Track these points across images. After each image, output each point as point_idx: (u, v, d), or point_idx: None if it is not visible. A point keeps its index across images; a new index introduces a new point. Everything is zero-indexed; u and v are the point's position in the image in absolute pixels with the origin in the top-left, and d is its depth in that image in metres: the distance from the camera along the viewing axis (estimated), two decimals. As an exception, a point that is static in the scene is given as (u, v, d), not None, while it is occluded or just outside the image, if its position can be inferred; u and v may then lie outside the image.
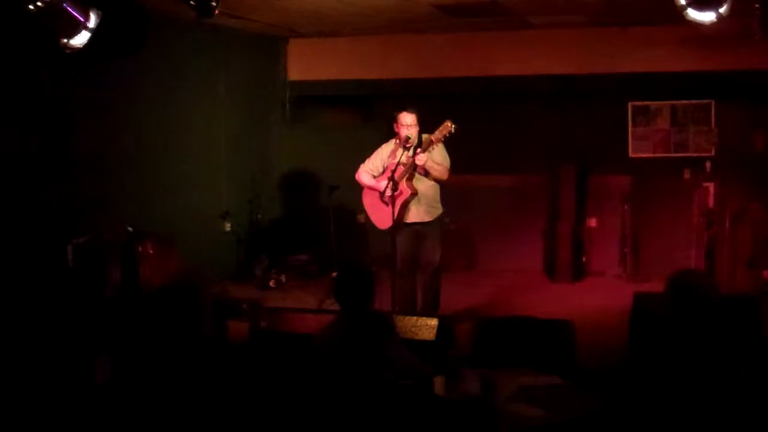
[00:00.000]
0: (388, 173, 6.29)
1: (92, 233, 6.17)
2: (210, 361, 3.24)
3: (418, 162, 6.15)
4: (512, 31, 8.69)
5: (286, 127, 9.76)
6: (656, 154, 8.97)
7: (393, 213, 6.20)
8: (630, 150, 9.03)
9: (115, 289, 4.02)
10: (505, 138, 9.24)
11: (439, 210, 6.48)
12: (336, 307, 4.08)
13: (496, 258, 9.28)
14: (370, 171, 6.54)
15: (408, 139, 6.23)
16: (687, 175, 8.67)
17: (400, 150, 6.34)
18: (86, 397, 3.43)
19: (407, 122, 6.26)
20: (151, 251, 6.49)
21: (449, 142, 6.29)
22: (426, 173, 6.29)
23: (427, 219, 6.41)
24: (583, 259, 8.95)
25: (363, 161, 6.62)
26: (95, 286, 3.98)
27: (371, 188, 6.50)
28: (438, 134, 6.13)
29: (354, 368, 3.05)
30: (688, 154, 8.82)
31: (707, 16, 4.97)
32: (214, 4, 5.30)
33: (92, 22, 4.84)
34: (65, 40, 4.82)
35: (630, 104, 9.00)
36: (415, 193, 6.29)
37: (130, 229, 6.51)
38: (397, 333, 3.28)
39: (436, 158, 6.28)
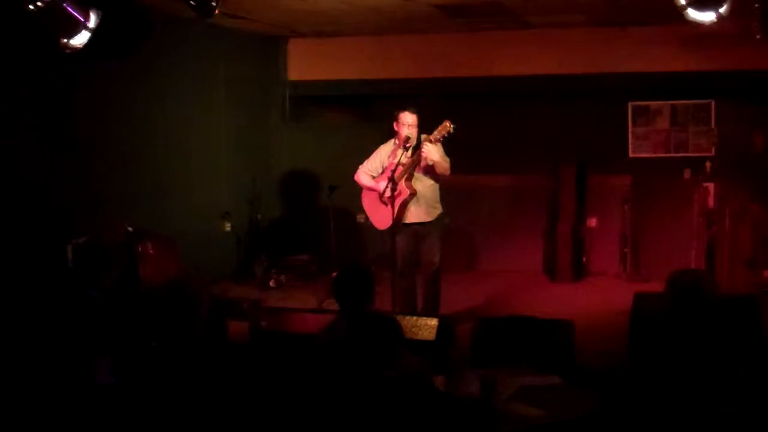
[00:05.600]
0: (388, 173, 6.29)
1: (92, 233, 6.17)
2: (208, 361, 3.24)
3: (425, 153, 6.11)
4: (512, 31, 8.69)
5: (286, 127, 9.76)
6: (656, 154, 8.97)
7: (392, 213, 6.19)
8: (630, 150, 9.03)
9: (102, 290, 4.00)
10: (505, 138, 9.23)
11: (439, 210, 6.48)
12: (336, 307, 4.09)
13: (496, 258, 9.27)
14: (369, 172, 6.54)
15: (408, 139, 6.23)
16: (687, 175, 8.67)
17: (400, 150, 6.34)
18: (86, 398, 3.43)
19: (408, 122, 6.26)
20: (151, 251, 6.48)
21: (449, 142, 6.29)
22: (428, 170, 6.29)
23: (426, 219, 6.40)
24: (583, 259, 8.95)
25: (363, 161, 6.62)
26: (82, 286, 3.97)
27: (370, 189, 6.50)
28: (437, 134, 6.14)
29: (358, 368, 3.05)
30: (688, 154, 8.82)
31: (707, 16, 4.97)
32: (214, 3, 5.29)
33: (92, 22, 4.84)
34: (65, 40, 4.82)
35: (630, 104, 9.00)
36: (414, 193, 6.29)
37: (130, 229, 6.51)
38: (403, 336, 3.28)
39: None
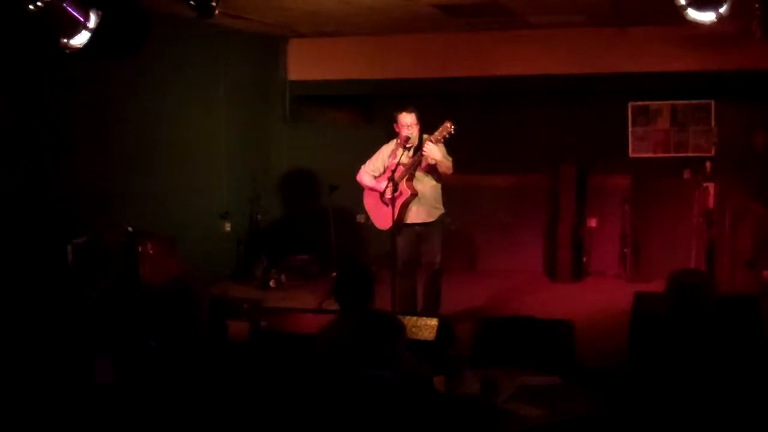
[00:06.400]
0: (388, 173, 6.28)
1: (92, 233, 6.17)
2: (208, 361, 3.25)
3: (426, 152, 6.08)
4: (512, 31, 8.69)
5: (286, 127, 9.76)
6: (656, 154, 8.97)
7: (393, 214, 6.19)
8: (630, 150, 9.03)
9: (101, 290, 4.01)
10: (505, 138, 9.23)
11: (440, 210, 6.48)
12: (336, 307, 4.09)
13: (496, 258, 9.28)
14: (371, 172, 6.54)
15: (408, 139, 6.22)
16: (687, 175, 8.67)
17: (400, 150, 6.33)
18: (85, 398, 3.43)
19: (407, 122, 6.25)
20: (151, 251, 6.48)
21: (449, 142, 6.28)
22: (430, 170, 6.28)
23: (428, 220, 6.40)
24: (583, 259, 8.95)
25: (363, 161, 6.62)
26: (82, 286, 3.98)
27: (372, 189, 6.50)
28: (437, 135, 6.11)
29: (358, 368, 3.05)
30: (688, 154, 8.82)
31: (707, 16, 4.97)
32: (214, 3, 5.29)
33: (92, 22, 4.83)
34: (65, 40, 4.82)
35: (630, 104, 9.00)
36: (415, 194, 6.28)
37: (130, 229, 6.51)
38: (405, 335, 3.27)
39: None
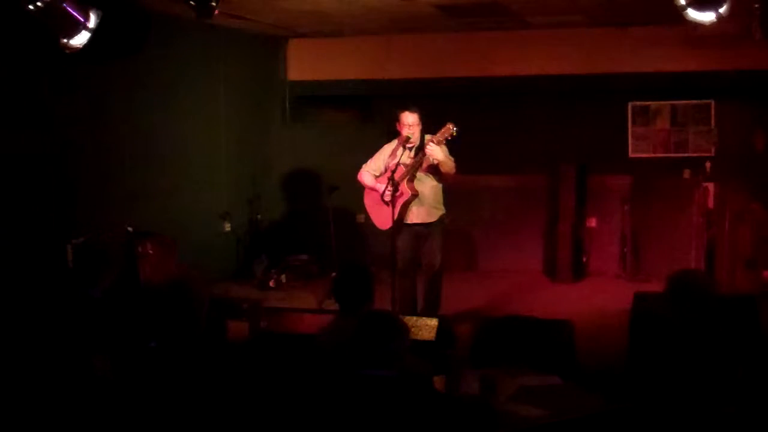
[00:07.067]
0: (389, 174, 6.28)
1: (92, 233, 6.17)
2: (208, 361, 3.25)
3: (428, 152, 6.06)
4: (512, 31, 8.69)
5: (286, 127, 9.76)
6: (656, 154, 8.97)
7: (393, 214, 6.18)
8: (630, 150, 9.03)
9: (103, 290, 4.00)
10: (505, 138, 9.23)
11: (441, 211, 6.46)
12: (336, 307, 4.09)
13: (496, 258, 9.27)
14: (372, 171, 6.52)
15: (408, 139, 6.21)
16: (687, 175, 8.67)
17: (401, 150, 6.32)
18: (85, 397, 3.43)
19: (408, 122, 6.23)
20: (151, 251, 6.48)
21: (449, 142, 6.27)
22: (431, 170, 6.27)
23: (428, 220, 6.39)
24: (583, 259, 8.95)
25: (363, 161, 6.61)
26: (82, 286, 3.98)
27: (372, 189, 6.49)
28: (439, 136, 6.08)
29: (359, 368, 3.05)
30: (688, 154, 8.82)
31: (707, 16, 4.97)
32: (214, 4, 5.30)
33: (92, 22, 4.84)
34: (65, 40, 4.82)
35: (630, 104, 9.00)
36: (416, 194, 6.27)
37: (130, 229, 6.51)
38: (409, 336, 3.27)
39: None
